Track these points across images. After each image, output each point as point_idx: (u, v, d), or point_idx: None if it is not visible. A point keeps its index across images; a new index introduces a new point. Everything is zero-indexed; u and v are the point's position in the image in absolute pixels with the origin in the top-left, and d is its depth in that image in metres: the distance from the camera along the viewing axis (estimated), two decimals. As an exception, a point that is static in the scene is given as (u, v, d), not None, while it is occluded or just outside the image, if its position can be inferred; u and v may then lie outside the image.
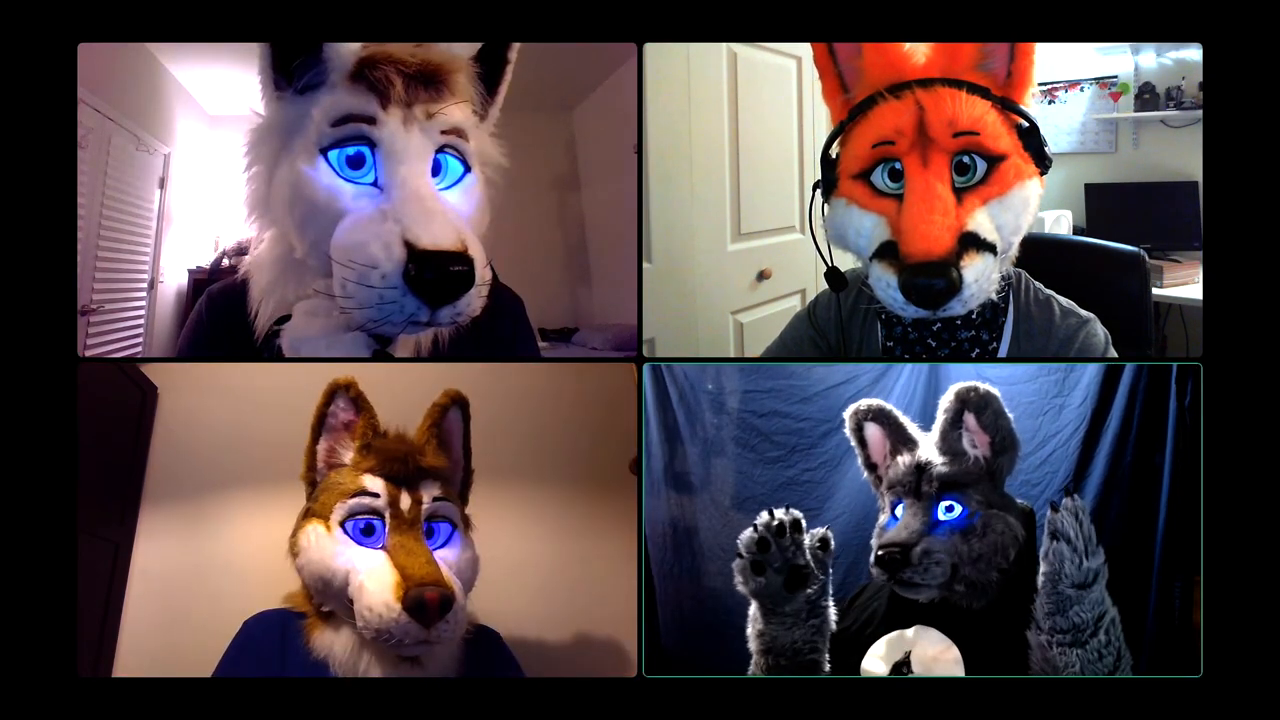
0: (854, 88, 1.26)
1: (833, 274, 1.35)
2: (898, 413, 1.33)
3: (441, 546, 1.31)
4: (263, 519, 1.67)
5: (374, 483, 1.29)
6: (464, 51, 1.23)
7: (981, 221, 1.17)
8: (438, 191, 1.16)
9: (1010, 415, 1.26)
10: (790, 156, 2.53)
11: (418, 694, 1.28)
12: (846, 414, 1.36)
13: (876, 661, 1.26)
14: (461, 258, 1.07)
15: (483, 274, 1.11)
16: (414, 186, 1.12)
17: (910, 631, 1.26)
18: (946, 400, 1.27)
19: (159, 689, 1.33)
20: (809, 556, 1.27)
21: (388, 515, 1.28)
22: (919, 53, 1.22)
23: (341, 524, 1.27)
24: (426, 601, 1.16)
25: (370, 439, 1.34)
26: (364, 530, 1.26)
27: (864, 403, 1.34)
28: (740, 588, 1.28)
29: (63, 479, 1.30)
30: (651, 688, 1.34)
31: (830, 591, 1.31)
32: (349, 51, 1.16)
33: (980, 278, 1.15)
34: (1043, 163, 1.23)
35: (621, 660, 1.72)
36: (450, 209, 1.14)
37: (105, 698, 1.31)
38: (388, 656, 1.26)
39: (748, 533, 1.27)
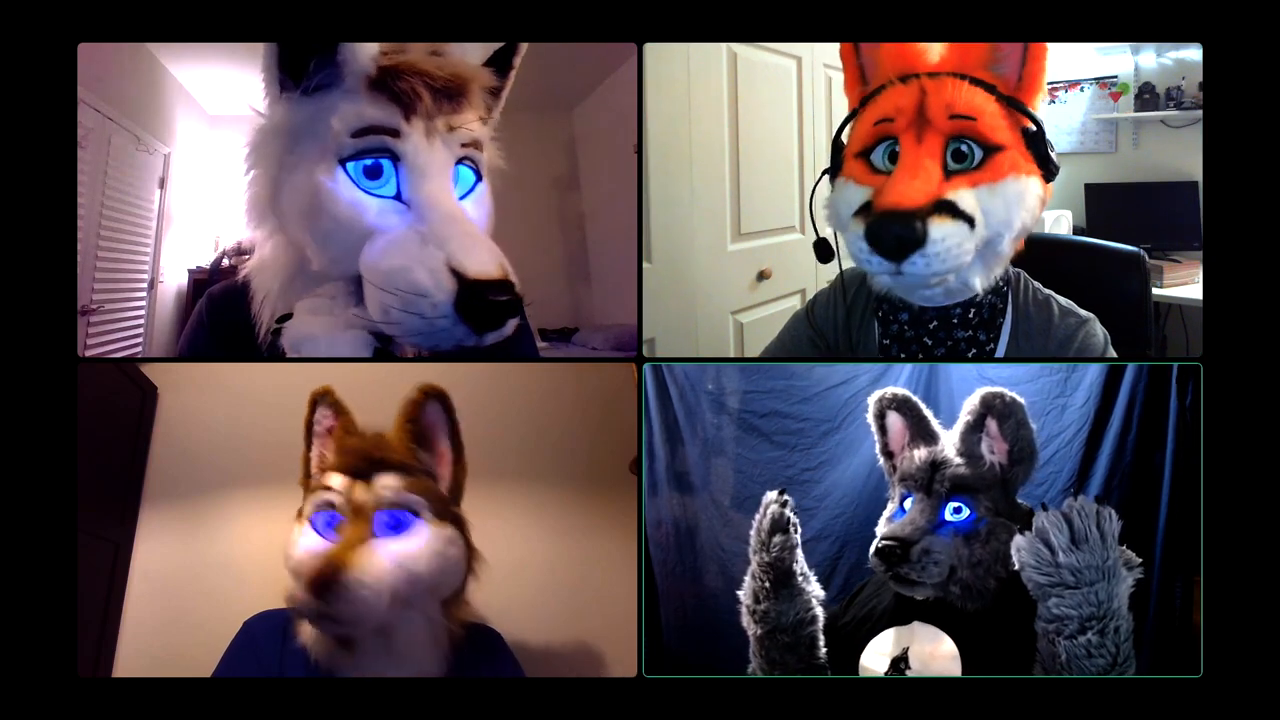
0: (872, 80, 1.28)
1: (821, 244, 1.35)
2: (922, 405, 1.32)
3: (398, 535, 1.27)
4: (262, 519, 1.67)
5: (335, 479, 1.29)
6: (478, 59, 1.23)
7: (964, 196, 1.17)
8: (462, 207, 1.16)
9: (1034, 427, 1.25)
10: (790, 156, 2.53)
11: (418, 694, 1.28)
12: (870, 399, 1.35)
13: (876, 658, 1.26)
14: (507, 286, 1.09)
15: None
16: (446, 208, 1.13)
17: (909, 629, 1.26)
18: (971, 403, 1.26)
19: (159, 689, 1.33)
20: (789, 549, 1.31)
21: (347, 508, 1.27)
22: (933, 51, 1.24)
23: (310, 521, 1.27)
24: (313, 576, 1.15)
25: (344, 440, 1.34)
26: (329, 524, 1.26)
27: (889, 390, 1.34)
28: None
29: (63, 479, 1.30)
30: (651, 688, 1.34)
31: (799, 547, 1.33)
32: (366, 56, 1.14)
33: (948, 238, 1.14)
34: (1047, 167, 1.23)
35: (621, 660, 1.72)
36: (480, 230, 1.15)
37: (105, 698, 1.31)
38: (384, 658, 1.25)
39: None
